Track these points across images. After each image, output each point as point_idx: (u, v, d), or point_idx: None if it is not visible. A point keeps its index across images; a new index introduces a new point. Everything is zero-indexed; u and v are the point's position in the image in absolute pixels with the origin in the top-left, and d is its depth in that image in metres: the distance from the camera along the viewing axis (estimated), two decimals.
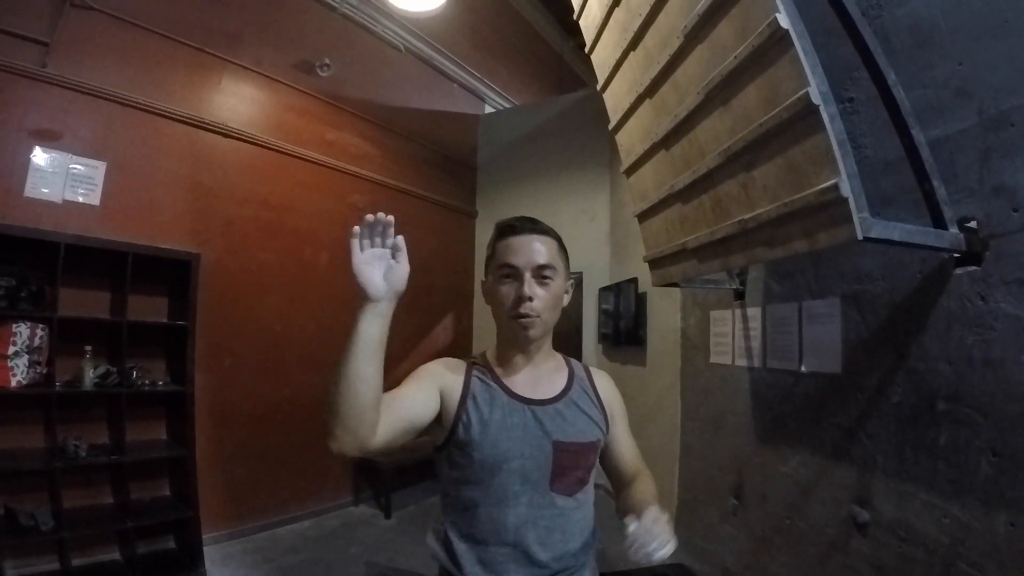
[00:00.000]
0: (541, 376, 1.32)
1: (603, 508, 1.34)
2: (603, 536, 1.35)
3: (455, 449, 1.22)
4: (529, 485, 1.20)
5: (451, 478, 1.24)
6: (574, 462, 1.25)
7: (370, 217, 1.01)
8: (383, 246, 1.03)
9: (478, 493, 1.20)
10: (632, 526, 1.04)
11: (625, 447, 1.43)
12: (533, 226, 1.30)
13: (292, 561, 3.93)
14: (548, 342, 1.36)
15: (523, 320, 1.23)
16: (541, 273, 1.25)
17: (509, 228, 1.29)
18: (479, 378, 1.28)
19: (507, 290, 1.24)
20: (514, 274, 1.24)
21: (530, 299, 1.22)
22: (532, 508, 1.20)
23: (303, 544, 4.27)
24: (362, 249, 1.00)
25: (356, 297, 1.00)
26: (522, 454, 1.20)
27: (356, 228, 1.00)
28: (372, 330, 0.99)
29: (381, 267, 1.02)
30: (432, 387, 1.21)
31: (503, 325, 1.29)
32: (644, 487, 1.32)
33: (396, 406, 1.10)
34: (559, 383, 1.34)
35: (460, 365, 1.31)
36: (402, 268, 1.03)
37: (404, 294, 1.05)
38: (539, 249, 1.26)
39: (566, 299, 1.33)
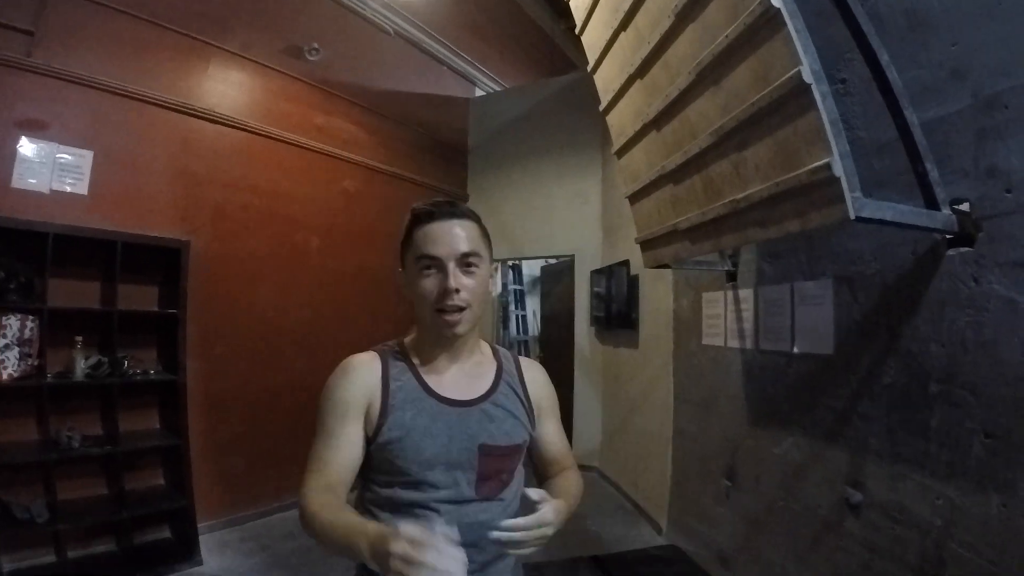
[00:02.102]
0: (466, 374, 1.25)
1: None
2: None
3: (378, 453, 1.15)
4: (455, 490, 1.14)
5: (374, 476, 1.18)
6: (499, 466, 1.19)
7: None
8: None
9: (402, 494, 1.13)
10: (521, 521, 1.00)
11: (553, 442, 1.37)
12: (452, 210, 1.19)
13: (288, 548, 3.94)
14: (474, 335, 1.27)
15: (450, 316, 1.14)
16: (466, 261, 1.15)
17: (427, 214, 1.17)
18: (398, 379, 1.19)
19: (430, 283, 1.14)
20: (436, 265, 1.14)
21: (457, 291, 1.13)
22: (457, 511, 1.12)
23: (299, 531, 4.25)
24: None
25: (380, 541, 0.84)
26: (448, 460, 1.13)
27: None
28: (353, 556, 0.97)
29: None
30: (358, 416, 1.15)
31: (426, 322, 1.19)
32: (567, 484, 1.29)
33: (346, 469, 1.13)
34: (486, 381, 1.26)
35: (372, 364, 1.21)
36: None
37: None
38: (461, 235, 1.15)
39: (492, 286, 1.26)
